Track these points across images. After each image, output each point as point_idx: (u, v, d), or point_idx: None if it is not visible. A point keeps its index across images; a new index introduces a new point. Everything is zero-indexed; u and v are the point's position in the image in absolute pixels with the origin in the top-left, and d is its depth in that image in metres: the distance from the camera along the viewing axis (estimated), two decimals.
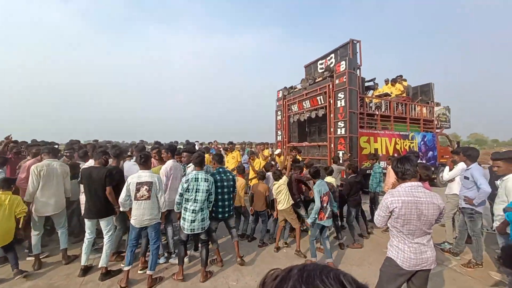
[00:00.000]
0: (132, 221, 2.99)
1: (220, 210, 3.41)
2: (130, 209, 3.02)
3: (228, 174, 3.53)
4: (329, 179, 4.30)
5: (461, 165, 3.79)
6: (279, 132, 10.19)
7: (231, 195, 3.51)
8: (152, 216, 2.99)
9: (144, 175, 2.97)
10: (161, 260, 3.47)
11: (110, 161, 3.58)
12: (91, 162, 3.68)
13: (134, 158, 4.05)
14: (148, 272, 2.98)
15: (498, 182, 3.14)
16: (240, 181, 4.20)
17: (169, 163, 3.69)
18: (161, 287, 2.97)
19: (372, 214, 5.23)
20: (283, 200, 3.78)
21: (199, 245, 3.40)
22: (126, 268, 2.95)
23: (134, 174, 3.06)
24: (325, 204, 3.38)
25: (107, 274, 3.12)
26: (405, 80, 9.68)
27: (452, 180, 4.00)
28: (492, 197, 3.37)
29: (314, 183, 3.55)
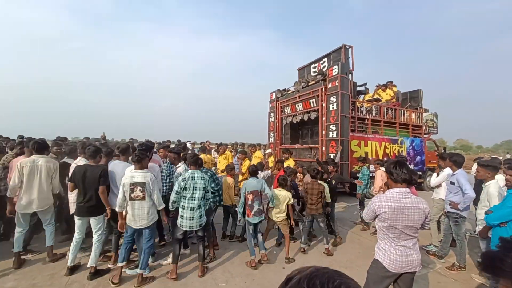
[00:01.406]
0: (128, 221, 2.96)
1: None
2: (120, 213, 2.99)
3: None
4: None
5: (447, 171, 3.91)
6: (272, 134, 10.22)
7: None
8: (149, 216, 2.97)
9: (137, 176, 2.92)
10: (149, 260, 3.39)
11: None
12: (79, 160, 3.62)
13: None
14: (139, 271, 2.95)
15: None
16: (229, 180, 4.24)
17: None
18: (150, 286, 2.93)
19: (362, 216, 5.33)
20: (282, 210, 3.76)
21: (195, 241, 3.49)
22: (119, 265, 2.96)
23: (127, 174, 3.00)
24: (249, 202, 3.57)
25: (96, 273, 3.07)
26: (395, 86, 9.91)
27: (439, 185, 4.12)
28: (476, 202, 3.50)
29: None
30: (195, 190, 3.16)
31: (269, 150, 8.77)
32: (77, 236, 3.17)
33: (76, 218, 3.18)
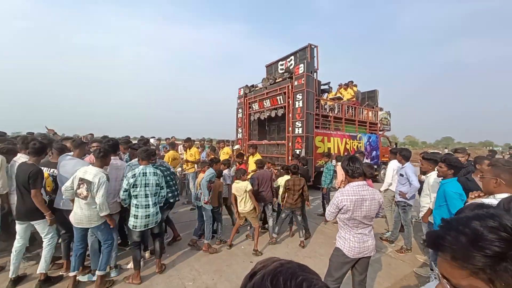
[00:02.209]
0: (71, 218, 2.72)
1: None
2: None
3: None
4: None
5: (392, 164, 4.43)
6: (240, 130, 10.22)
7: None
8: (91, 218, 2.70)
9: (90, 172, 2.67)
10: (113, 274, 3.08)
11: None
12: (19, 157, 3.17)
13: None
14: (98, 272, 2.74)
15: (423, 177, 3.70)
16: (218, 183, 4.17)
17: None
18: None
19: (324, 208, 5.66)
20: (247, 201, 3.83)
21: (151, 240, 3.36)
22: (71, 274, 2.72)
23: (83, 167, 2.75)
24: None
25: (47, 281, 2.78)
26: (355, 86, 10.62)
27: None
28: (420, 191, 3.95)
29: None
30: (147, 186, 2.97)
31: (237, 146, 8.76)
32: (17, 243, 2.79)
33: (16, 223, 2.81)
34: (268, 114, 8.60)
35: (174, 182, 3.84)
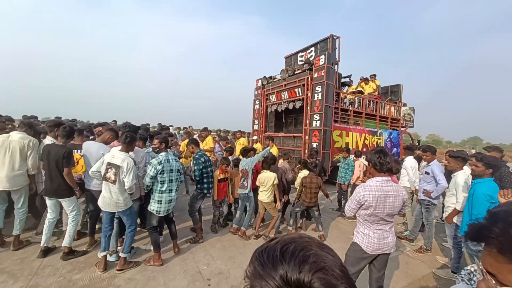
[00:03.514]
0: (99, 202, 2.84)
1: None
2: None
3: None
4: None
5: (409, 161, 4.32)
6: (256, 121, 10.19)
7: None
8: (119, 202, 2.80)
9: (117, 157, 2.76)
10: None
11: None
12: (47, 139, 3.38)
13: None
14: (121, 254, 2.88)
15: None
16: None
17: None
18: (131, 272, 2.87)
19: (340, 204, 5.56)
20: (269, 193, 3.81)
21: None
22: (102, 254, 2.86)
23: (111, 152, 2.84)
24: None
25: (70, 253, 3.00)
26: (376, 79, 10.18)
27: (404, 175, 4.45)
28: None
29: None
30: (172, 172, 3.07)
31: (255, 137, 8.79)
32: (49, 216, 3.05)
33: (46, 199, 3.05)
34: (285, 106, 8.49)
35: (212, 173, 3.84)
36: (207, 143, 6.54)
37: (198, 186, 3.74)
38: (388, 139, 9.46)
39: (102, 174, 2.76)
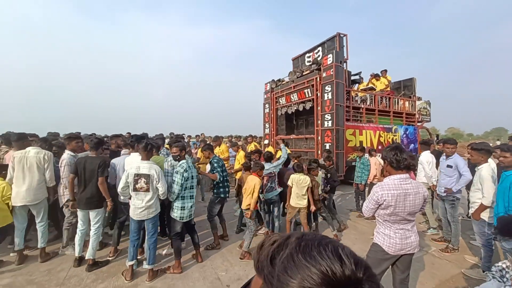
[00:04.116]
0: (131, 212, 2.93)
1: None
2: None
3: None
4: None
5: (425, 156, 4.18)
6: (267, 125, 10.19)
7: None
8: (150, 208, 2.91)
9: (143, 167, 2.86)
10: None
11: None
12: (67, 153, 3.54)
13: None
14: (148, 266, 2.93)
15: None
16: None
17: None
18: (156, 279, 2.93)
19: (357, 204, 5.41)
20: (303, 196, 3.69)
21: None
22: (129, 263, 2.93)
23: (133, 163, 2.95)
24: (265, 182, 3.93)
25: (95, 265, 3.10)
26: (387, 75, 9.92)
27: (420, 170, 4.30)
28: (468, 186, 3.56)
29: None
30: (193, 179, 3.19)
31: (266, 141, 8.78)
32: (80, 227, 3.20)
33: (78, 210, 3.21)
34: (295, 108, 8.44)
35: (227, 178, 3.90)
36: (222, 153, 6.54)
37: (215, 190, 3.81)
38: (404, 135, 9.16)
39: (131, 186, 2.85)
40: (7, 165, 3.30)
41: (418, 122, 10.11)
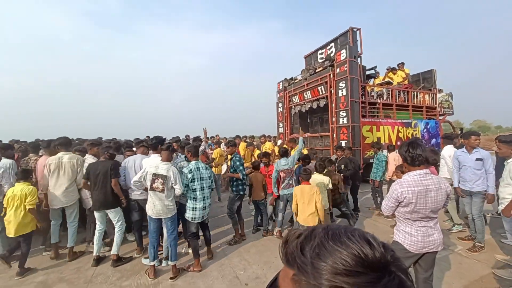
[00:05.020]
0: (148, 211, 3.05)
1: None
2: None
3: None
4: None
5: (447, 151, 4.06)
6: (281, 124, 10.14)
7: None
8: (167, 208, 3.01)
9: (161, 168, 2.97)
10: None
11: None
12: (87, 157, 3.80)
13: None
14: (171, 263, 3.05)
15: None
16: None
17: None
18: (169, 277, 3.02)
19: (376, 202, 5.25)
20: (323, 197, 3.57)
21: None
22: (152, 263, 3.04)
23: (152, 163, 3.07)
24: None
25: (118, 260, 3.27)
26: (405, 68, 9.54)
27: (443, 165, 4.16)
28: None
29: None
30: (203, 180, 3.20)
31: (280, 141, 8.76)
32: (98, 227, 3.38)
33: (95, 212, 3.39)
34: (309, 106, 8.34)
35: (246, 175, 4.05)
36: (245, 159, 6.56)
37: (234, 188, 3.91)
38: (425, 130, 8.77)
39: (148, 185, 2.97)
40: (32, 170, 3.55)
41: (440, 115, 9.64)
